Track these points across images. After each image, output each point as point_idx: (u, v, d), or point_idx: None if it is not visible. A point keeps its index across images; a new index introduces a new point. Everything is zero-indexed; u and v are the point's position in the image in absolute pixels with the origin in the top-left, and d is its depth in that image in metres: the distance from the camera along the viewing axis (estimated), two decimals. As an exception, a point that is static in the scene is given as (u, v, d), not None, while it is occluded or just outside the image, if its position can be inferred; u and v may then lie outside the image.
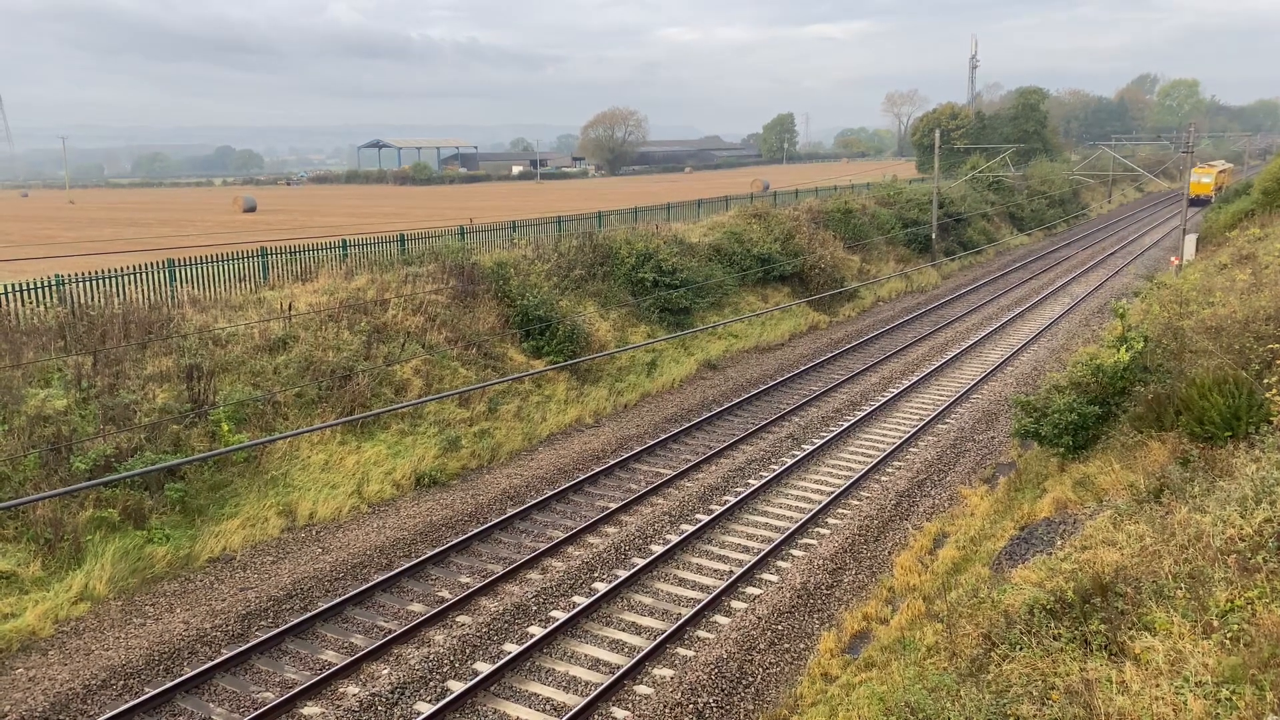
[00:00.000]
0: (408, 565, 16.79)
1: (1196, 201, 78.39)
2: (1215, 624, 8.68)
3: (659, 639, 14.29)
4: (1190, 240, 39.68)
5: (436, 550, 17.42)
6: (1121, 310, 20.34)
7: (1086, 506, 14.75)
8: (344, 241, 28.37)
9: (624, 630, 14.95)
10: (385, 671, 13.70)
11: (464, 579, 16.70)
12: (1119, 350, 18.58)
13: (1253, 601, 8.74)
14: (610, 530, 18.64)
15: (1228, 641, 8.39)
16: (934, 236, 52.27)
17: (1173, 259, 39.77)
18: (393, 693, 13.06)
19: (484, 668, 13.81)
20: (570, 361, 15.07)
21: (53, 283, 21.33)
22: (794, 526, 18.35)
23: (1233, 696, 7.67)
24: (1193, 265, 33.60)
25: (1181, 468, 13.33)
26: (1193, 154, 43.24)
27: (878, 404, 26.66)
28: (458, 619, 15.21)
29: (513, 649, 14.31)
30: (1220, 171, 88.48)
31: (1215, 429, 13.82)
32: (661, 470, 21.97)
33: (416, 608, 15.69)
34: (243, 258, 25.42)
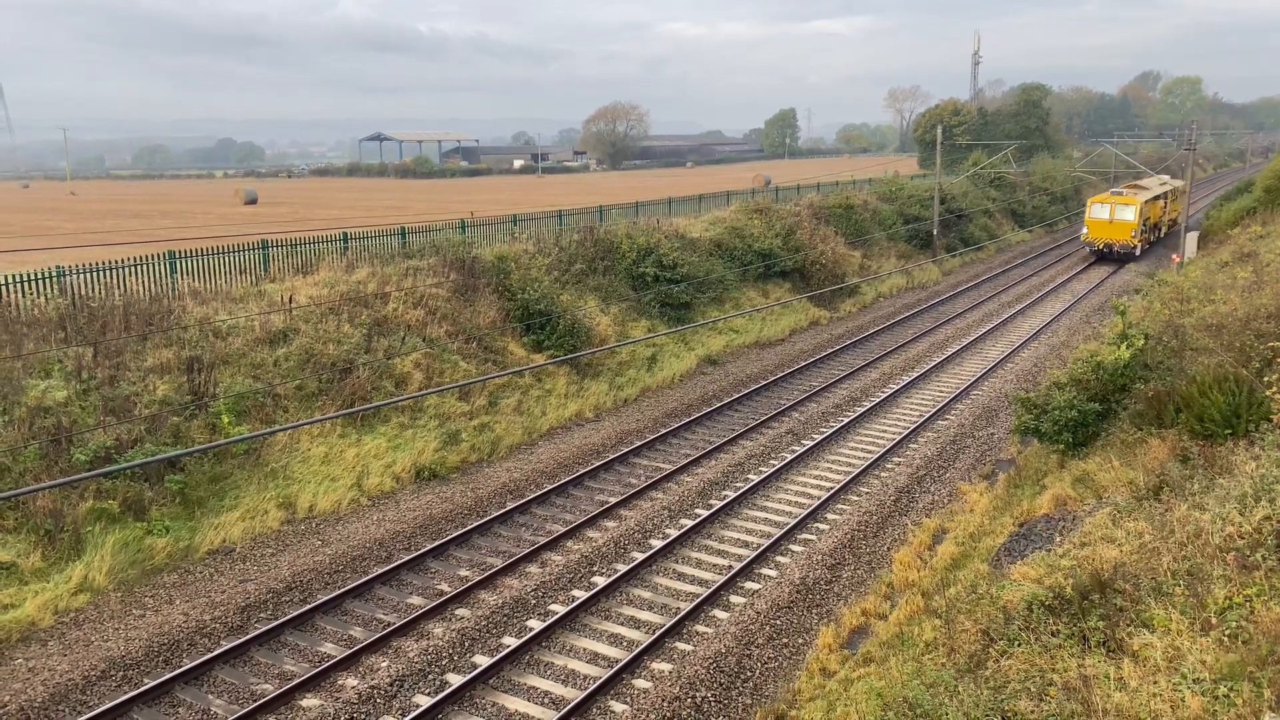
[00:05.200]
0: (407, 558, 16.80)
1: (1108, 255, 51.41)
2: (1214, 621, 8.70)
3: (658, 633, 14.31)
4: (1192, 238, 39.68)
5: (436, 543, 17.43)
6: (1122, 308, 20.34)
7: (1086, 503, 14.76)
8: (345, 234, 28.35)
9: (623, 624, 14.97)
10: (384, 664, 13.72)
11: (463, 572, 16.72)
12: (1119, 347, 18.59)
13: (1251, 599, 8.75)
14: (610, 525, 18.65)
15: (1226, 639, 8.40)
16: (935, 233, 52.22)
17: (1174, 256, 39.77)
18: (391, 685, 13.08)
19: (483, 661, 13.83)
20: (571, 356, 15.07)
21: (53, 274, 21.33)
22: (793, 522, 18.36)
23: (1230, 693, 7.68)
24: (1194, 263, 33.60)
25: (1181, 465, 13.34)
26: (1194, 151, 43.15)
27: (878, 400, 26.66)
28: (457, 612, 15.23)
29: (512, 642, 14.33)
30: (1153, 199, 54.28)
31: (1215, 427, 13.83)
32: (661, 465, 21.98)
33: (416, 601, 15.70)
34: (243, 250, 25.40)
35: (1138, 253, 50.88)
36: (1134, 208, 50.96)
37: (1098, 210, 52.28)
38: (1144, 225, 52.19)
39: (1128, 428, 16.46)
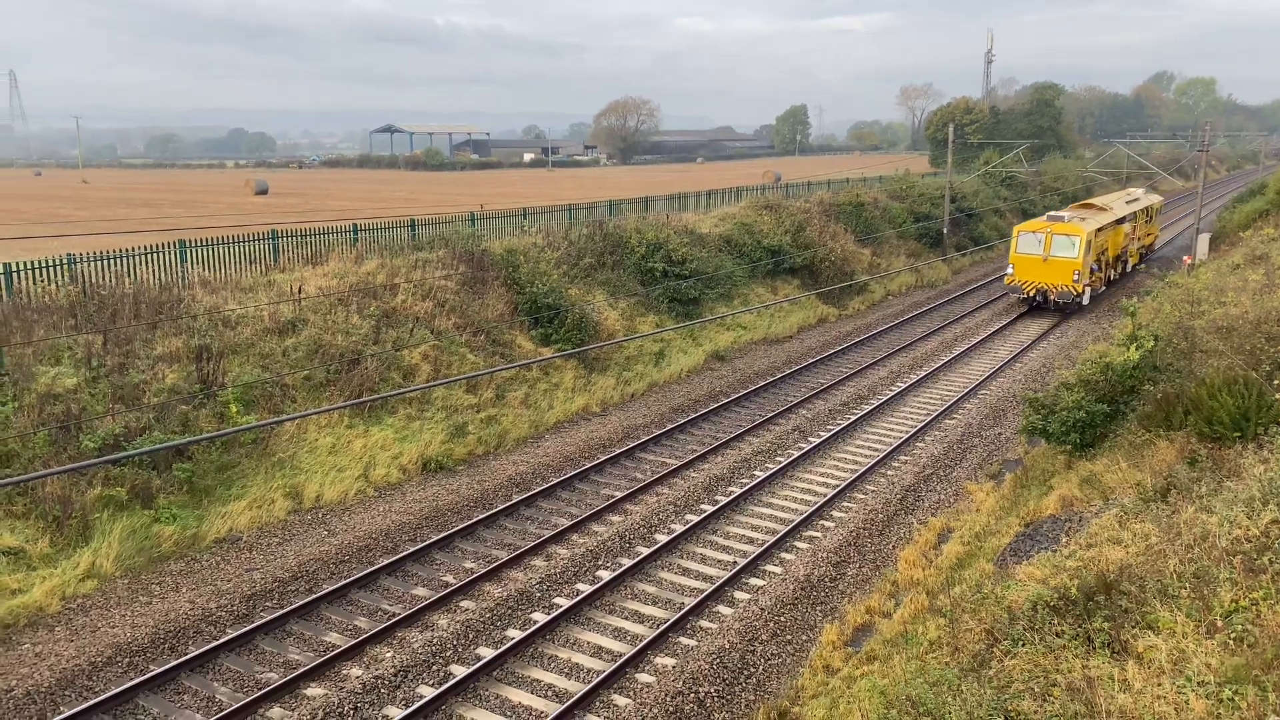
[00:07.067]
0: (413, 550, 16.85)
1: (1042, 305, 37.98)
2: (1219, 624, 8.67)
3: (662, 628, 14.32)
4: (1203, 240, 39.47)
5: (442, 535, 17.47)
6: (1132, 309, 20.27)
7: (1093, 504, 14.73)
8: (354, 226, 28.39)
9: (627, 618, 14.99)
10: (389, 654, 13.76)
11: (469, 564, 16.75)
12: (1129, 349, 18.53)
13: (1257, 602, 8.71)
14: (615, 519, 18.67)
15: (1231, 642, 8.37)
16: (945, 231, 52.07)
17: (1185, 258, 39.57)
18: (395, 675, 13.13)
19: (487, 653, 13.86)
20: (578, 350, 15.11)
21: (64, 261, 21.40)
22: (799, 519, 18.35)
23: (1235, 697, 7.66)
24: (1205, 265, 33.44)
25: (1189, 467, 13.29)
26: (1207, 152, 42.92)
27: (885, 398, 26.62)
28: (462, 604, 15.27)
29: (516, 635, 14.36)
30: (1113, 223, 40.89)
31: (1224, 429, 13.77)
32: (667, 460, 21.98)
33: (421, 592, 15.75)
34: (253, 240, 25.46)
35: (1085, 300, 37.09)
36: (1078, 240, 36.40)
37: (1026, 242, 37.59)
38: (1097, 261, 38.54)
39: (1136, 429, 16.41)
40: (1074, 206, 42.66)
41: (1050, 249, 36.88)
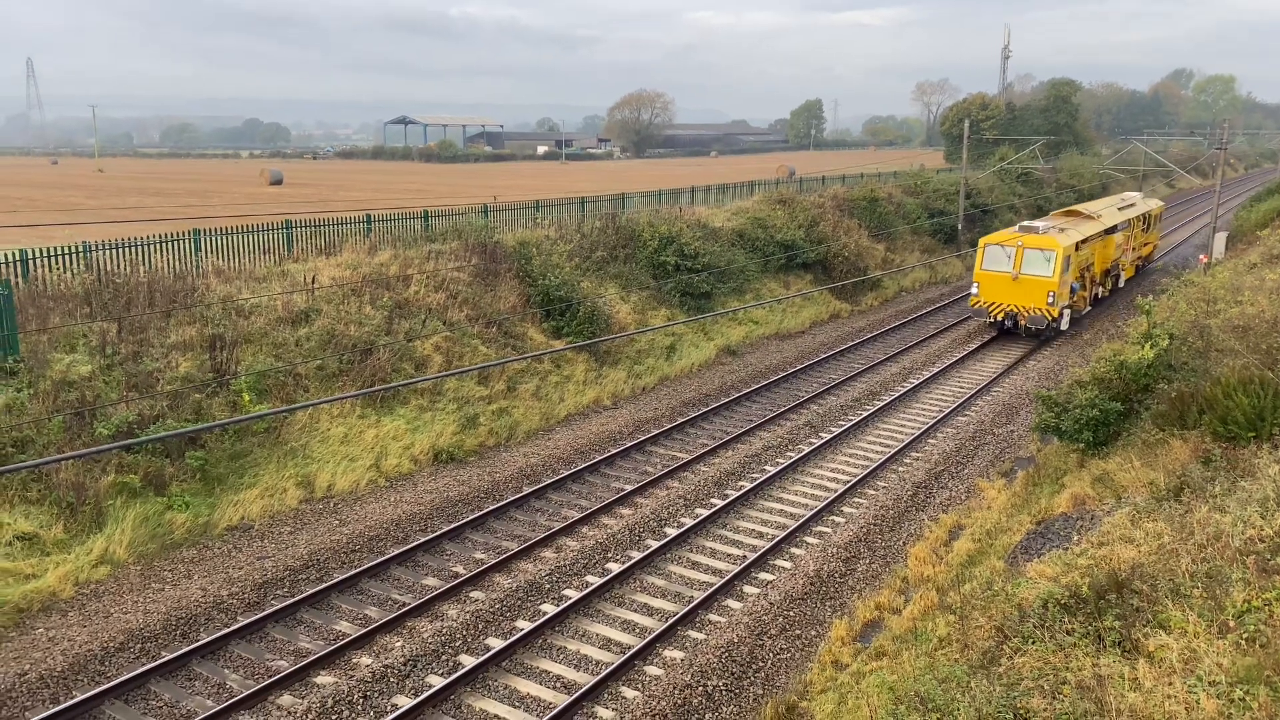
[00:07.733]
0: (423, 540, 16.90)
1: (1012, 329, 32.55)
2: (1231, 624, 8.63)
3: (670, 621, 14.34)
4: (1220, 238, 39.20)
5: (452, 526, 17.52)
6: (1147, 307, 20.14)
7: (1105, 503, 14.66)
8: (368, 217, 28.45)
9: (636, 611, 15.01)
10: (399, 644, 13.82)
11: (479, 555, 16.80)
12: (1143, 347, 18.42)
13: (1270, 603, 8.67)
14: (625, 512, 18.68)
15: (1243, 642, 8.33)
16: (960, 227, 51.84)
17: (1201, 257, 39.31)
18: (405, 665, 13.18)
19: (496, 643, 13.91)
20: (590, 342, 15.11)
21: (80, 249, 21.52)
22: (809, 514, 18.33)
23: (1246, 697, 7.63)
24: (1222, 264, 33.21)
25: (1203, 467, 13.22)
26: (1225, 150, 42.57)
27: (897, 394, 26.55)
28: (471, 594, 15.32)
29: (525, 626, 14.40)
30: (1101, 234, 35.65)
31: (1239, 429, 13.69)
32: (678, 454, 21.98)
33: (431, 582, 15.80)
34: (268, 230, 25.55)
35: (1063, 324, 32.29)
36: (1054, 255, 30.95)
37: (993, 256, 32.17)
38: (1080, 278, 33.26)
39: (1149, 428, 16.32)
40: (1056, 214, 38.33)
41: (1021, 265, 31.53)
